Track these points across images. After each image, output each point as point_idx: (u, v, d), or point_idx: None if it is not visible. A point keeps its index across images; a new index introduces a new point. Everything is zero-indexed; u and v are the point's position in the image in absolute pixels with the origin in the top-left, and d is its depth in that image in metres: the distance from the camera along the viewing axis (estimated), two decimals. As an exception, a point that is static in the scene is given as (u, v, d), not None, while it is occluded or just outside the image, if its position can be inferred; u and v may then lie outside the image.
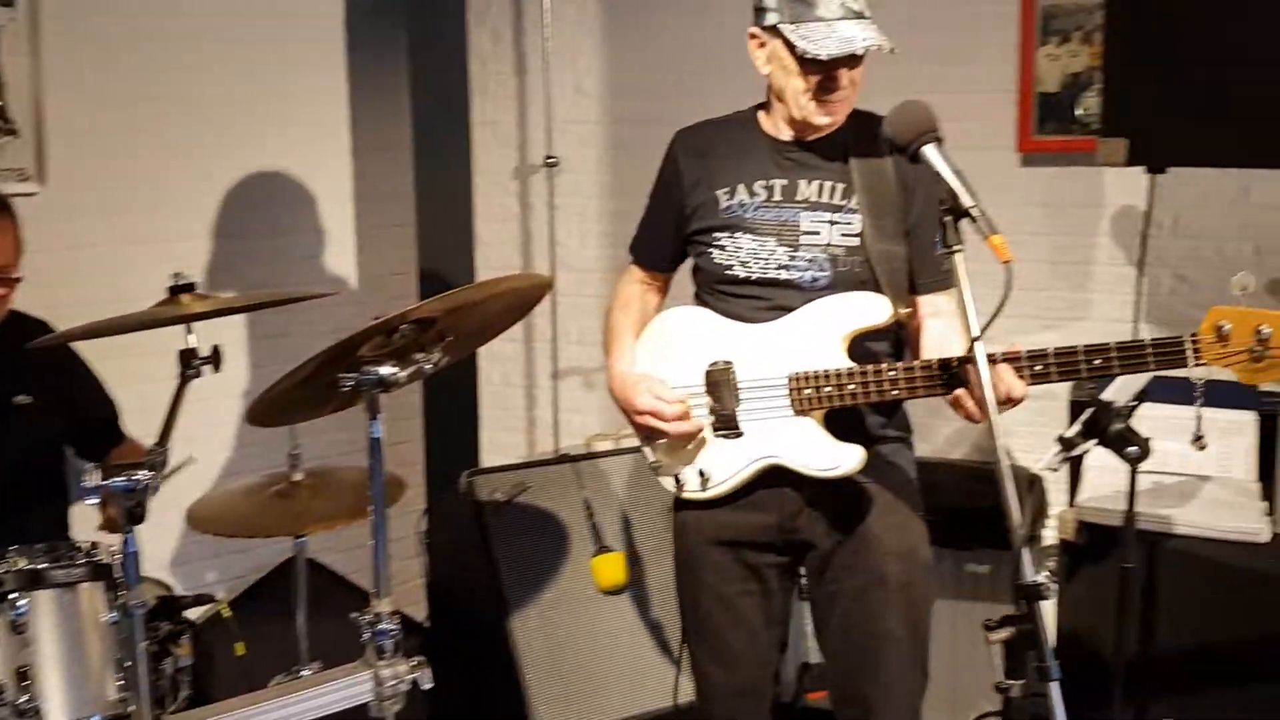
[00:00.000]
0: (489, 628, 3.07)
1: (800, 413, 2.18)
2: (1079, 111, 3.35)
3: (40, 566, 2.06)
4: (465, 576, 3.26)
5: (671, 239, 2.42)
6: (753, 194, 2.29)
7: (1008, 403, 1.99)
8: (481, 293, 2.32)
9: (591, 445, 3.81)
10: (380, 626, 2.09)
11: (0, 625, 2.00)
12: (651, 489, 3.30)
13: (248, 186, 3.64)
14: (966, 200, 1.83)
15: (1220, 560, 2.57)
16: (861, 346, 2.23)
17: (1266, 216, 3.26)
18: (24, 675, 1.98)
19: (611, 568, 3.10)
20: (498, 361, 4.37)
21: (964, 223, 1.85)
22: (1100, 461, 2.82)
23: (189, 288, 2.26)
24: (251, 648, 2.58)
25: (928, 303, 2.29)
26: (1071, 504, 2.83)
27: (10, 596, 2.00)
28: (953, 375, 2.04)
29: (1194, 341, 1.90)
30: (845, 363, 2.17)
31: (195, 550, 3.47)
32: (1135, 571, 2.50)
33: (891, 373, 2.10)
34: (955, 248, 1.85)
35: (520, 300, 2.52)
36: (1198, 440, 2.60)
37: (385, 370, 2.05)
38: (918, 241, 2.25)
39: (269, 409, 2.19)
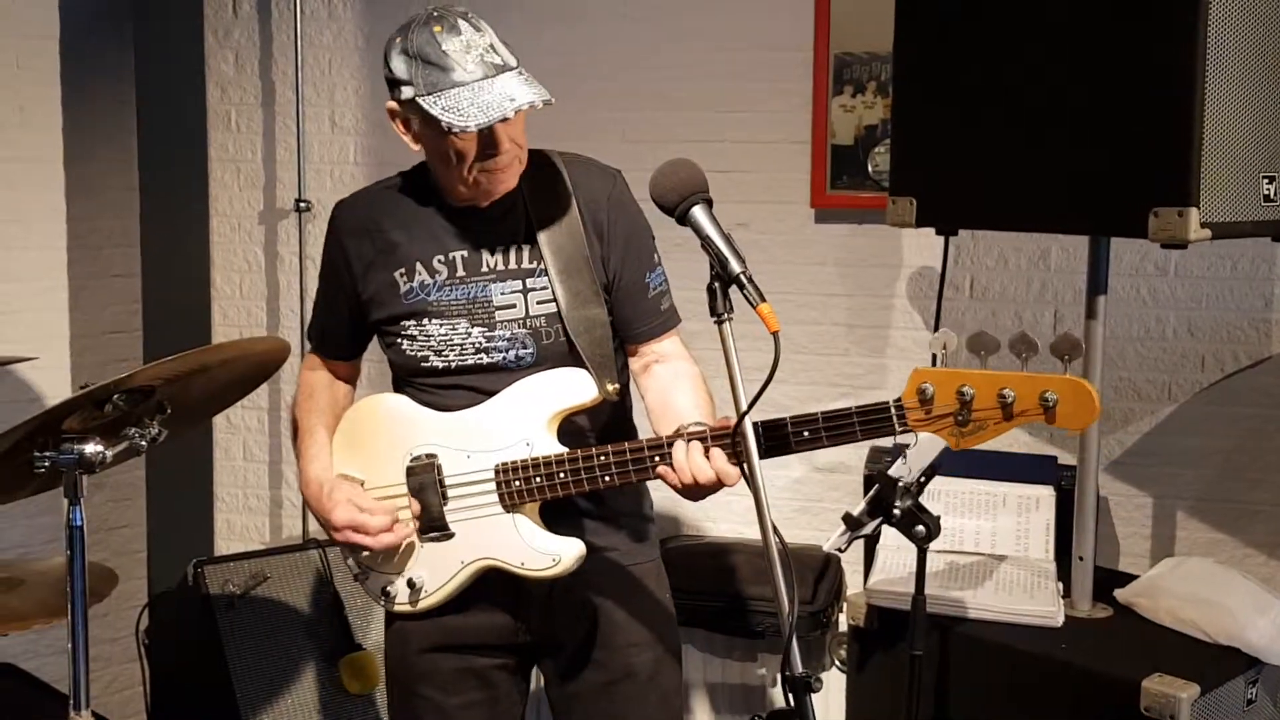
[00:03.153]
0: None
1: (511, 508, 2.21)
2: (871, 167, 3.60)
3: None
4: (193, 682, 3.22)
5: (349, 326, 2.42)
6: (433, 273, 2.28)
7: (715, 487, 2.06)
8: (210, 358, 2.33)
9: (345, 528, 3.82)
10: (80, 744, 2.08)
11: None
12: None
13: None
14: (735, 267, 1.95)
15: (1014, 645, 2.77)
16: (575, 426, 2.28)
17: (1066, 281, 3.56)
18: None
19: (363, 668, 3.12)
20: (237, 433, 4.33)
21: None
22: (894, 541, 3.01)
23: None
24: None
25: (649, 351, 2.35)
26: (864, 587, 3.00)
27: None
28: (667, 456, 2.09)
29: (898, 408, 2.01)
30: (555, 448, 2.19)
31: None
32: (925, 659, 2.67)
33: (601, 457, 2.13)
34: (725, 316, 1.97)
35: (256, 366, 2.54)
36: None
37: (89, 448, 2.04)
38: (625, 290, 2.30)
39: (-47, 492, 2.16)
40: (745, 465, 1.93)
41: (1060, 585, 2.92)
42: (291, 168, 4.11)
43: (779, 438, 2.06)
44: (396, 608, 2.33)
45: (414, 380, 2.35)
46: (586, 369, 2.22)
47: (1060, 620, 2.82)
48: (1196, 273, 3.45)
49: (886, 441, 3.62)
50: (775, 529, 1.88)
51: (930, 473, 2.67)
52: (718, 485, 2.07)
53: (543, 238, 2.26)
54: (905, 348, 3.72)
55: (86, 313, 3.95)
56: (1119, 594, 2.95)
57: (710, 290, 1.98)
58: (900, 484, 2.60)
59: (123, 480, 4.09)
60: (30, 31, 3.68)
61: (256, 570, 3.19)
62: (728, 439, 2.06)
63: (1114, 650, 2.73)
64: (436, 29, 2.13)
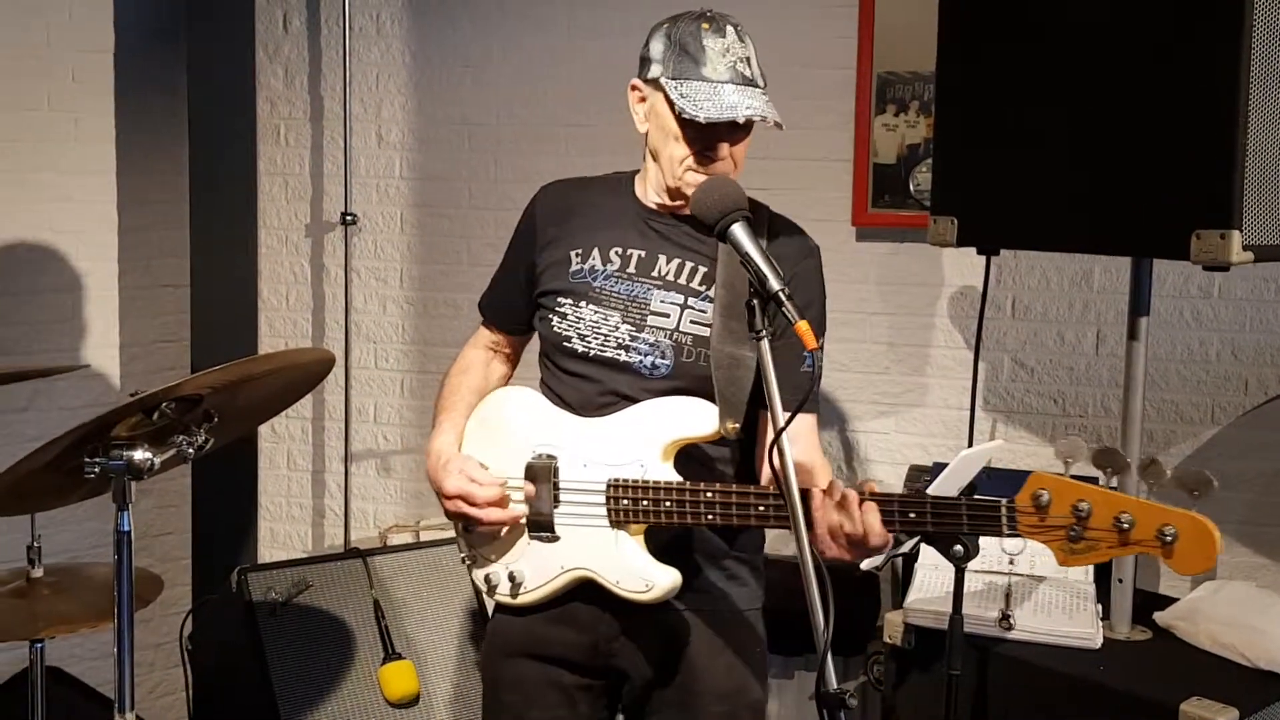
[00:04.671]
0: (259, 746, 3.07)
1: (616, 525, 2.21)
2: (913, 186, 3.61)
3: None
4: (235, 687, 3.25)
5: (522, 298, 2.45)
6: (606, 261, 2.33)
7: (862, 547, 2.04)
8: (257, 368, 2.36)
9: (386, 538, 3.86)
10: (124, 746, 2.11)
11: None
12: (451, 589, 3.36)
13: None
14: (774, 284, 1.96)
15: (1052, 667, 2.76)
16: (702, 458, 2.28)
17: (1109, 301, 3.55)
18: None
19: (402, 677, 3.14)
20: (281, 442, 4.38)
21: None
22: (932, 560, 3.01)
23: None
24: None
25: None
26: (900, 605, 3.00)
27: None
28: (779, 508, 2.07)
29: (1010, 510, 1.96)
30: (669, 475, 2.20)
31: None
32: (962, 679, 2.66)
33: (709, 494, 2.13)
34: (763, 333, 1.98)
35: (302, 377, 2.57)
36: (1004, 620, 2.77)
37: (138, 455, 2.07)
38: (777, 353, 2.20)
39: (6, 496, 2.19)
40: (783, 481, 1.93)
41: (1099, 607, 2.91)
42: (338, 181, 4.16)
43: (886, 515, 2.03)
44: (497, 597, 2.36)
45: (552, 359, 2.39)
46: (714, 402, 2.20)
47: (1099, 642, 2.80)
48: (1240, 295, 3.44)
49: (924, 460, 3.66)
50: (812, 545, 1.89)
51: (969, 492, 2.66)
52: (863, 543, 2.02)
53: (721, 269, 2.27)
54: (946, 367, 3.72)
55: (136, 322, 4.00)
56: (1158, 617, 2.93)
57: (749, 307, 2.00)
58: (938, 503, 2.60)
59: (169, 487, 4.14)
60: (86, 45, 3.74)
61: (299, 578, 3.21)
62: (884, 501, 2.03)
63: (1152, 673, 2.71)
64: (704, 25, 2.22)
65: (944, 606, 2.72)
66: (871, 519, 2.01)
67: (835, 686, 1.83)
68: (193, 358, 4.23)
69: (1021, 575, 3.01)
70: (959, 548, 2.52)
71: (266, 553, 4.38)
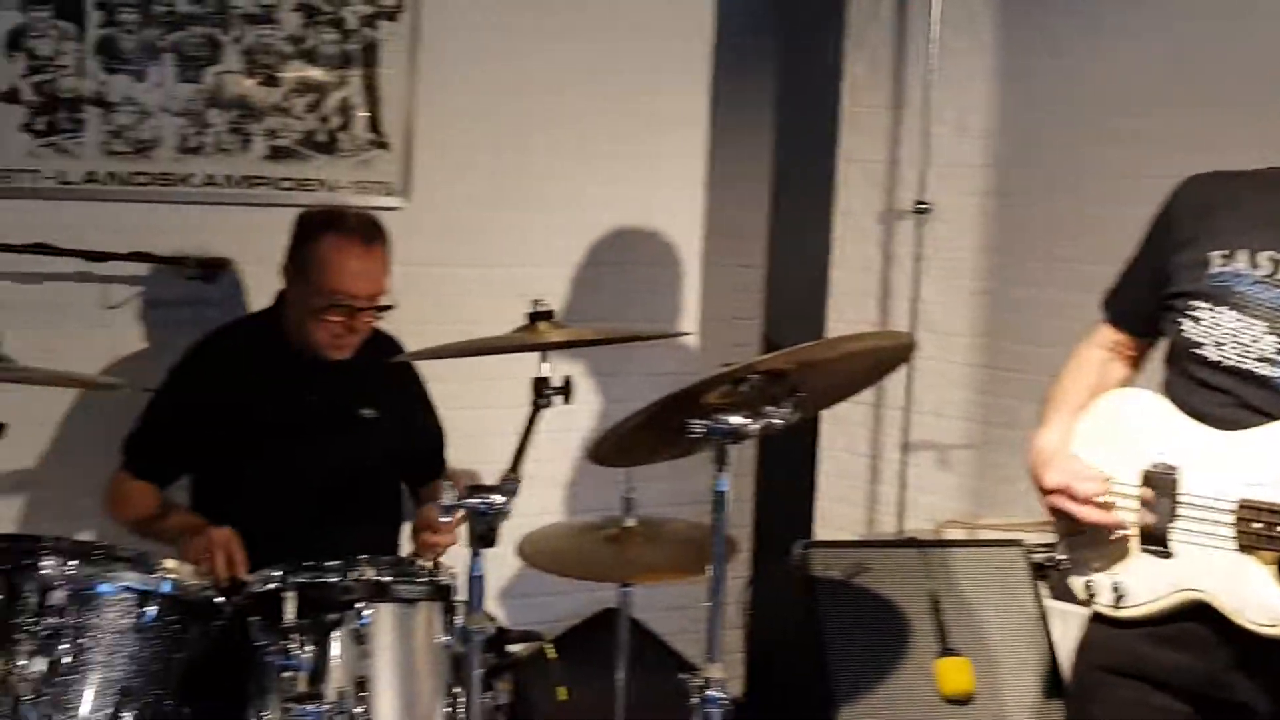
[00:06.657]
0: (812, 715, 3.17)
1: (1244, 549, 2.05)
2: None
3: (387, 579, 2.39)
4: (789, 656, 3.36)
5: (1148, 298, 2.32)
6: (1255, 265, 2.15)
7: None
8: (838, 349, 2.48)
9: (941, 532, 3.86)
10: (710, 693, 2.27)
11: (345, 633, 2.35)
12: (1009, 591, 3.30)
13: (599, 209, 3.96)
14: None
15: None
16: None
17: None
18: (361, 686, 2.31)
19: (958, 673, 3.12)
20: (842, 425, 4.47)
21: None
22: None
23: (547, 315, 2.53)
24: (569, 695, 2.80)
25: None
26: None
27: (357, 605, 2.35)
28: None
29: None
30: None
31: (517, 585, 3.75)
32: None
33: None
34: None
35: (879, 362, 2.65)
36: None
37: (737, 420, 2.23)
38: None
39: (613, 448, 2.44)
40: None
41: None
42: (914, 169, 4.17)
43: None
44: (1095, 606, 2.29)
45: (1179, 365, 2.26)
46: None
47: None
48: None
49: None
50: None
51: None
52: None
53: None
54: None
55: (713, 298, 4.24)
56: None
57: None
58: None
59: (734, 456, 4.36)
60: (685, 34, 4.02)
61: (858, 560, 3.26)
62: None
63: None
64: None
65: None
66: None
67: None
68: (763, 336, 4.42)
69: None
70: None
71: (821, 530, 4.48)
